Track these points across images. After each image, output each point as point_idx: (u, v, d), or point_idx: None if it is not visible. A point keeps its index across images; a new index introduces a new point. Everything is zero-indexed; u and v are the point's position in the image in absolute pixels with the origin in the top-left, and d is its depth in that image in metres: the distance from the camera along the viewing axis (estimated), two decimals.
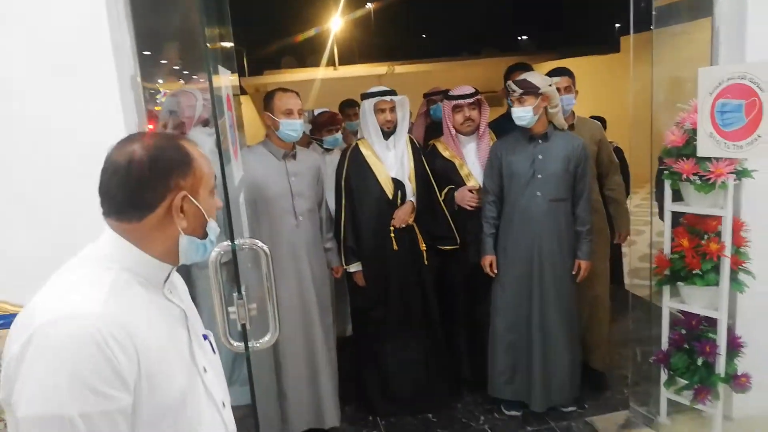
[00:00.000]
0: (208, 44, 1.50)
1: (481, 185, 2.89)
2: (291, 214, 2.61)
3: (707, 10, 2.49)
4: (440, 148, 3.00)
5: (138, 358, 0.91)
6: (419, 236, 2.86)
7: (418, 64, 13.69)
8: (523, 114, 2.61)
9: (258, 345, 1.59)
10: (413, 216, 2.83)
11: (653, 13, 2.46)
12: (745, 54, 2.36)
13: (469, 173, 2.93)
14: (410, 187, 2.84)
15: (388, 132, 2.83)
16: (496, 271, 2.76)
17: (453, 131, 2.94)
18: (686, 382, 2.46)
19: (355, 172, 2.84)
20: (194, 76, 2.97)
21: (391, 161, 2.84)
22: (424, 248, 2.87)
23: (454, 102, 2.90)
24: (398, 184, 2.81)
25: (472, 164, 2.94)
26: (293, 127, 2.56)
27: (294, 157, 2.66)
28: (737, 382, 2.39)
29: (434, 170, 2.95)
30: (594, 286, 2.96)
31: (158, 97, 2.76)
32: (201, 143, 2.79)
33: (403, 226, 2.81)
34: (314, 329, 2.67)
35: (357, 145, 2.88)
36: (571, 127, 2.91)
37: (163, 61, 2.72)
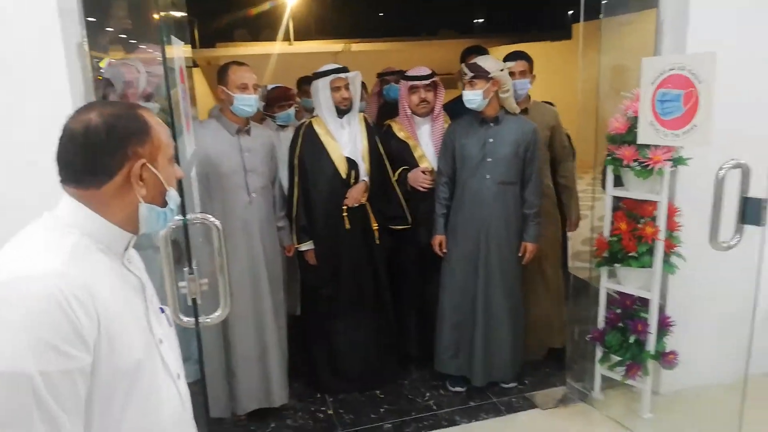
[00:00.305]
0: (160, 12, 1.47)
1: (435, 167, 2.94)
2: (244, 190, 2.58)
3: (653, 1, 2.59)
4: (395, 128, 3.02)
5: (99, 319, 0.92)
6: (371, 216, 2.89)
7: (375, 42, 13.59)
8: (473, 97, 2.66)
9: (209, 320, 1.59)
10: (366, 195, 2.85)
11: (603, 2, 2.54)
12: (686, 46, 2.47)
13: (423, 154, 2.97)
14: (364, 167, 2.86)
15: (343, 110, 2.82)
16: (445, 251, 2.83)
17: (409, 112, 2.97)
18: (619, 358, 2.60)
19: (308, 150, 2.83)
20: (142, 46, 2.88)
21: (345, 140, 2.84)
22: (376, 227, 2.90)
23: (411, 83, 2.93)
24: (352, 163, 2.82)
25: (426, 146, 2.99)
26: (248, 102, 2.52)
27: (248, 132, 2.63)
28: (665, 359, 2.55)
29: (389, 151, 2.98)
30: (546, 269, 3.05)
31: (102, 67, 2.68)
32: None
33: (356, 205, 2.83)
34: (264, 307, 2.67)
35: (311, 122, 2.87)
36: (525, 111, 2.96)
37: (109, 29, 2.63)
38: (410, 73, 2.98)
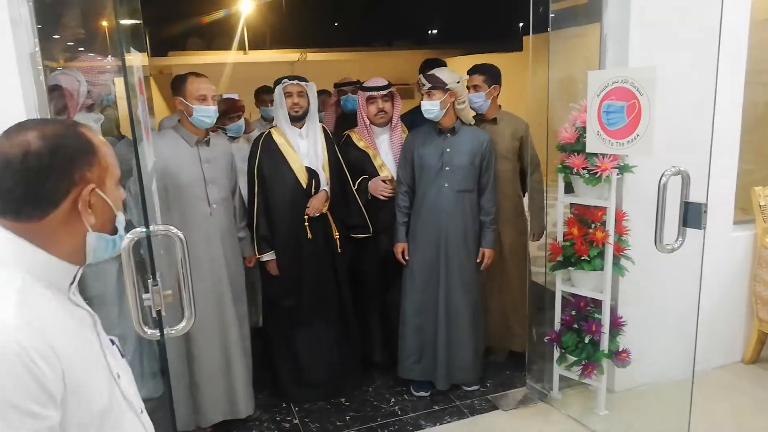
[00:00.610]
0: (118, 20, 1.47)
1: (394, 176, 2.99)
2: (204, 201, 2.57)
3: (597, 17, 2.72)
4: (354, 138, 3.07)
5: (62, 369, 0.84)
6: (333, 225, 2.92)
7: (331, 52, 13.64)
8: (431, 107, 2.73)
9: (173, 332, 1.59)
10: (327, 205, 2.88)
11: (550, 15, 2.66)
12: (628, 59, 2.61)
13: (383, 164, 3.03)
14: (324, 176, 2.88)
15: (296, 116, 2.83)
16: (407, 258, 2.88)
17: (367, 122, 3.02)
18: (575, 358, 2.71)
19: (267, 160, 2.83)
20: (91, 54, 2.84)
21: (304, 150, 2.87)
22: (338, 237, 2.92)
23: (368, 93, 2.98)
24: (312, 173, 2.84)
25: (385, 155, 3.04)
26: (207, 114, 2.52)
27: (207, 143, 2.62)
28: (619, 357, 2.66)
29: (348, 160, 3.01)
30: (507, 275, 3.14)
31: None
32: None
33: (317, 215, 2.85)
34: (228, 319, 2.65)
35: (270, 132, 2.88)
36: (494, 121, 3.06)
37: (55, 36, 2.59)
38: (367, 84, 3.04)
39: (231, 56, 12.22)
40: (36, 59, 2.02)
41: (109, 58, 2.75)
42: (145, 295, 1.50)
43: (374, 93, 2.97)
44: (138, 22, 2.13)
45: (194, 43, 14.43)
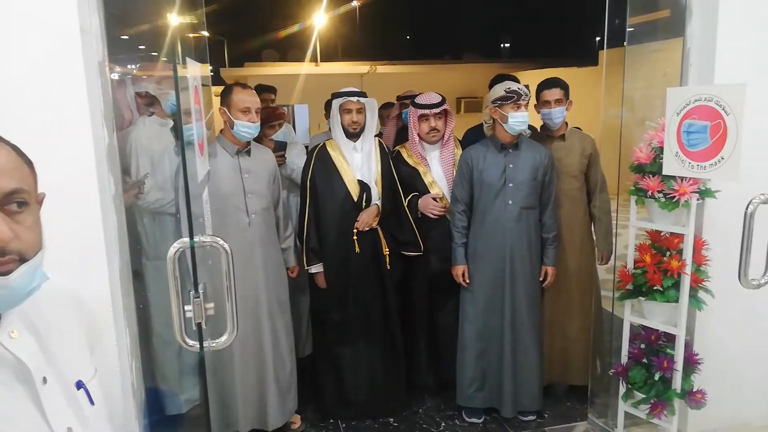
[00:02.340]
0: (175, 33, 1.46)
1: (444, 193, 2.89)
2: (243, 212, 2.56)
3: (679, 31, 2.53)
4: (404, 154, 2.99)
5: None
6: (383, 240, 2.84)
7: (400, 65, 13.68)
8: (525, 119, 2.65)
9: (215, 345, 1.55)
10: (378, 219, 2.81)
11: (627, 29, 2.49)
12: (713, 76, 2.40)
13: (433, 181, 2.93)
14: (376, 190, 2.83)
15: (353, 133, 2.80)
16: (468, 281, 2.77)
17: (417, 138, 2.94)
18: (643, 395, 2.49)
19: (320, 171, 2.81)
20: (163, 59, 2.92)
21: (358, 163, 2.82)
22: (387, 252, 2.85)
23: (420, 111, 2.89)
24: (364, 186, 2.79)
25: (436, 172, 2.94)
26: (248, 129, 2.51)
27: (248, 153, 2.61)
28: (693, 398, 2.43)
29: (399, 176, 2.94)
30: (574, 304, 2.97)
31: None
32: (151, 135, 2.73)
33: (367, 229, 2.78)
34: (264, 331, 2.63)
35: (324, 144, 2.86)
36: (562, 137, 2.93)
37: (123, 37, 2.66)
38: (420, 100, 2.93)
39: (303, 68, 12.47)
40: (104, 68, 2.07)
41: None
42: (186, 307, 1.48)
43: (426, 111, 2.87)
44: (202, 34, 2.16)
45: (269, 55, 14.88)
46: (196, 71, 1.77)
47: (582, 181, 2.91)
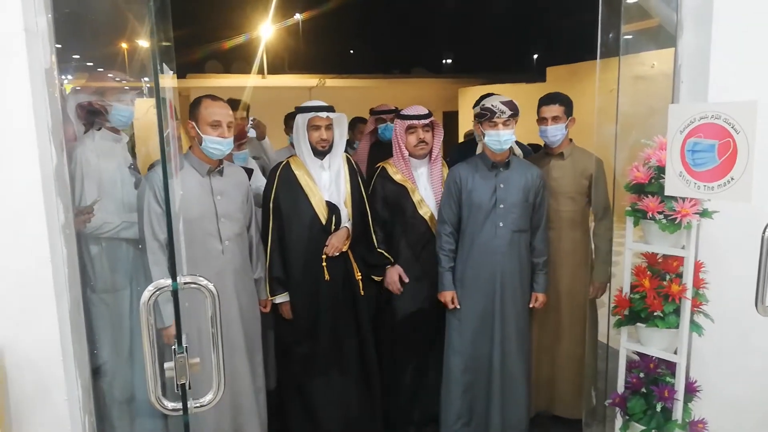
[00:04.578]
0: (152, 39, 1.22)
1: (434, 213, 2.72)
2: (216, 238, 2.30)
3: (670, 41, 2.46)
4: (390, 171, 2.80)
5: None
6: (354, 264, 2.64)
7: (349, 78, 13.56)
8: (510, 137, 2.49)
9: (198, 406, 1.30)
10: (348, 243, 2.61)
11: (623, 38, 2.41)
12: (707, 91, 2.34)
13: (422, 199, 2.75)
14: (345, 212, 2.63)
15: (321, 151, 2.59)
16: (458, 306, 2.59)
17: (405, 153, 2.76)
18: (643, 427, 2.38)
19: (285, 192, 2.58)
20: (110, 74, 2.64)
21: (326, 182, 2.61)
22: (360, 277, 2.64)
23: (408, 122, 2.72)
24: (333, 208, 2.58)
25: (424, 190, 2.77)
26: (218, 145, 2.26)
27: (220, 173, 2.36)
28: (694, 428, 2.33)
29: (385, 195, 2.75)
30: (564, 333, 2.83)
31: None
32: (101, 151, 2.41)
33: (337, 254, 2.57)
34: (239, 367, 2.38)
35: (288, 162, 2.63)
36: (561, 155, 2.81)
37: (75, 56, 2.39)
38: (406, 112, 2.76)
39: (249, 80, 12.15)
40: (52, 75, 1.78)
41: (127, 78, 2.55)
42: (167, 364, 1.22)
43: (415, 122, 2.70)
44: (169, 44, 1.91)
45: (213, 66, 14.42)
46: (169, 83, 1.52)
47: (581, 203, 2.78)
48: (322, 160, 2.61)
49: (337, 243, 2.57)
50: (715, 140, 2.01)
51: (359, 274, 2.64)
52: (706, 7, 2.33)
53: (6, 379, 1.72)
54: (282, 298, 2.59)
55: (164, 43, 1.77)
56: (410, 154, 2.77)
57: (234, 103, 3.37)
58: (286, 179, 2.59)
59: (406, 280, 2.70)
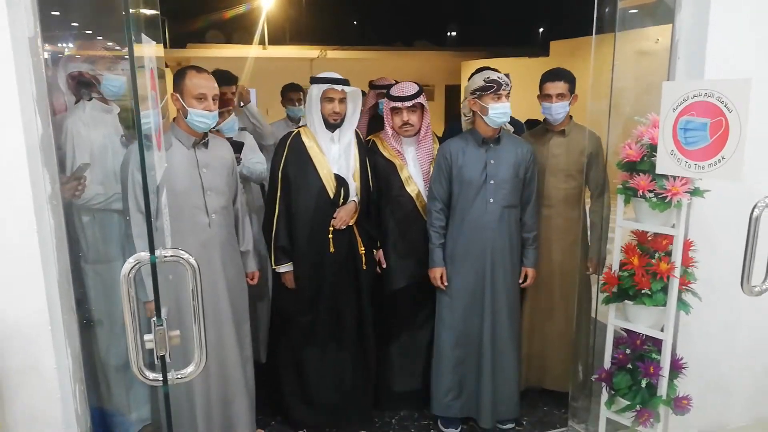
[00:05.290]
0: (129, 8, 1.20)
1: (422, 191, 2.71)
2: (202, 211, 2.28)
3: (668, 17, 2.42)
4: (380, 146, 2.78)
5: None
6: (358, 239, 2.64)
7: (351, 50, 13.39)
8: (507, 110, 2.47)
9: (180, 377, 1.31)
10: (355, 217, 2.60)
11: (616, 17, 2.36)
12: (704, 68, 2.31)
13: (410, 176, 2.73)
14: (354, 186, 2.61)
15: (333, 124, 2.56)
16: (446, 284, 2.60)
17: (390, 132, 2.73)
18: (628, 402, 2.40)
19: (294, 163, 2.56)
20: (109, 43, 2.59)
21: (335, 155, 2.58)
22: (363, 252, 2.64)
23: (392, 103, 2.67)
24: (341, 182, 2.56)
25: (413, 167, 2.75)
26: (203, 118, 2.21)
27: (205, 145, 2.32)
28: (678, 404, 2.35)
29: (375, 168, 2.74)
30: (556, 309, 2.84)
31: None
32: (91, 122, 2.39)
33: (343, 227, 2.57)
34: (227, 340, 2.38)
35: (299, 132, 2.60)
36: (562, 133, 2.78)
37: (69, 22, 2.35)
38: (393, 92, 2.69)
39: (250, 50, 12.00)
40: (36, 44, 1.76)
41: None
42: (146, 336, 1.23)
43: (398, 104, 2.65)
44: (154, 12, 1.87)
45: (213, 36, 14.23)
46: (151, 51, 1.50)
47: (580, 181, 2.75)
48: (332, 132, 2.58)
49: (345, 216, 2.56)
50: (708, 119, 1.99)
51: (363, 248, 2.64)
52: None
53: None
54: (285, 268, 2.58)
55: (148, 11, 1.75)
56: (397, 133, 2.74)
57: (227, 77, 3.30)
58: (296, 149, 2.57)
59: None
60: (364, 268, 2.65)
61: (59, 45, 2.46)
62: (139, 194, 2.12)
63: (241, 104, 3.39)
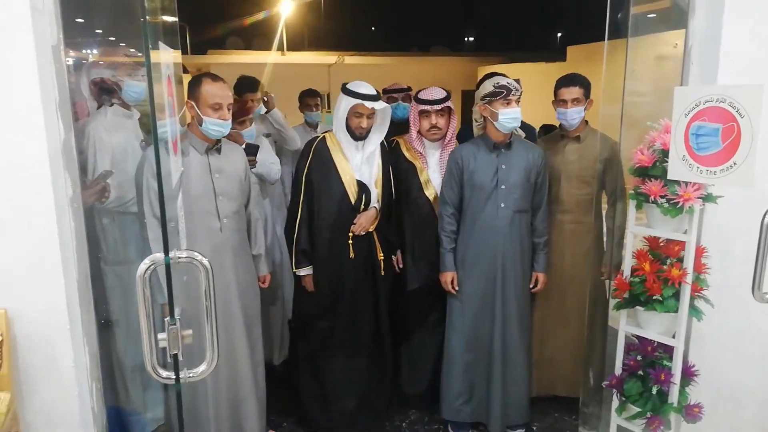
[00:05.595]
0: (147, 16, 1.24)
1: (439, 194, 2.73)
2: (214, 216, 2.32)
3: (681, 23, 2.42)
4: (403, 147, 2.81)
5: None
6: (378, 245, 2.66)
7: (368, 56, 13.48)
8: (518, 115, 2.50)
9: (192, 376, 1.35)
10: (376, 223, 2.62)
11: (629, 23, 2.36)
12: (717, 74, 2.30)
13: (429, 180, 2.77)
14: (375, 192, 2.63)
15: (358, 137, 2.58)
16: (457, 288, 2.62)
17: (415, 135, 2.77)
18: (638, 409, 2.39)
19: (318, 168, 2.59)
20: (131, 50, 2.66)
21: (358, 162, 2.61)
22: (382, 258, 2.66)
23: (421, 106, 2.71)
24: (363, 188, 2.59)
25: (433, 171, 2.78)
26: (219, 127, 2.25)
27: (218, 151, 2.36)
28: (690, 412, 2.34)
29: (396, 169, 2.76)
30: (570, 314, 2.83)
31: None
32: (112, 127, 2.45)
33: (363, 233, 2.59)
34: (238, 344, 2.42)
35: (324, 138, 2.63)
36: (577, 138, 2.79)
37: (95, 29, 2.42)
38: (422, 95, 2.74)
39: (269, 57, 12.14)
40: (59, 52, 1.83)
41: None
42: (160, 335, 1.27)
43: (428, 107, 2.69)
44: (173, 19, 1.93)
45: (233, 43, 14.43)
46: (169, 59, 1.55)
47: (595, 186, 2.75)
48: (357, 142, 2.60)
49: (365, 222, 2.59)
50: (720, 124, 1.99)
51: (382, 254, 2.66)
52: None
53: (17, 347, 1.80)
54: (305, 271, 2.61)
55: (166, 18, 1.80)
56: (423, 137, 2.77)
57: (251, 84, 3.37)
58: (321, 154, 2.59)
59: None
60: (383, 274, 2.68)
61: (82, 51, 2.53)
62: (154, 200, 2.17)
63: (266, 111, 3.45)
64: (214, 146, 2.34)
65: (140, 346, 2.50)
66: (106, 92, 2.61)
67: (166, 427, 2.54)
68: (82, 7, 2.09)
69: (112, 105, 2.56)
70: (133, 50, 2.64)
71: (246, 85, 3.36)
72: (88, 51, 2.60)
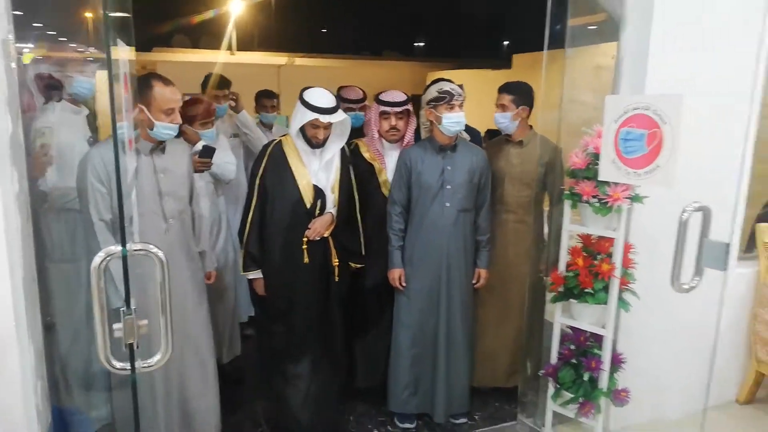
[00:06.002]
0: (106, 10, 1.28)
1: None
2: (159, 216, 2.29)
3: (613, 35, 2.60)
4: (362, 149, 2.88)
5: None
6: (333, 250, 2.66)
7: (319, 58, 13.47)
8: (462, 119, 2.60)
9: (146, 366, 1.39)
10: (331, 229, 2.63)
11: (567, 34, 2.52)
12: (645, 84, 2.49)
13: (386, 180, 2.83)
14: (332, 198, 2.62)
15: (315, 145, 2.56)
16: (404, 284, 2.71)
17: (376, 135, 2.84)
18: (572, 395, 2.55)
19: (273, 171, 2.57)
20: (72, 45, 2.64)
21: (316, 168, 2.59)
22: (337, 263, 2.66)
23: (382, 108, 2.79)
24: (319, 193, 2.57)
25: (391, 171, 2.83)
26: (171, 130, 2.24)
27: (162, 150, 2.32)
28: (617, 396, 2.52)
29: (355, 172, 2.79)
30: (511, 311, 2.97)
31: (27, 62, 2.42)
32: (60, 123, 2.42)
33: (318, 238, 2.60)
34: (188, 343, 2.43)
35: (280, 142, 2.62)
36: (520, 143, 2.92)
37: (36, 24, 2.38)
38: (383, 97, 2.81)
39: (217, 56, 11.97)
40: (8, 46, 1.81)
41: (91, 49, 2.55)
42: (116, 325, 1.30)
43: (388, 108, 2.77)
44: (127, 15, 1.94)
45: (180, 40, 14.12)
46: (125, 55, 1.57)
47: (536, 189, 2.89)
48: (314, 149, 2.58)
49: (320, 227, 2.57)
50: (645, 130, 2.17)
51: (336, 260, 2.66)
52: (648, 2, 2.47)
53: None
54: (254, 275, 2.60)
55: (120, 14, 1.82)
56: (382, 137, 2.84)
57: (222, 82, 3.44)
58: (276, 158, 2.56)
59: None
60: (337, 280, 2.67)
61: (30, 46, 2.49)
62: (100, 202, 2.12)
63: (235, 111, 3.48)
64: (158, 146, 2.31)
65: (85, 343, 2.48)
66: (52, 88, 2.58)
67: (112, 427, 2.53)
68: (29, 1, 2.08)
69: (59, 100, 2.53)
70: (75, 46, 2.62)
71: (215, 83, 3.41)
72: (31, 45, 2.56)
